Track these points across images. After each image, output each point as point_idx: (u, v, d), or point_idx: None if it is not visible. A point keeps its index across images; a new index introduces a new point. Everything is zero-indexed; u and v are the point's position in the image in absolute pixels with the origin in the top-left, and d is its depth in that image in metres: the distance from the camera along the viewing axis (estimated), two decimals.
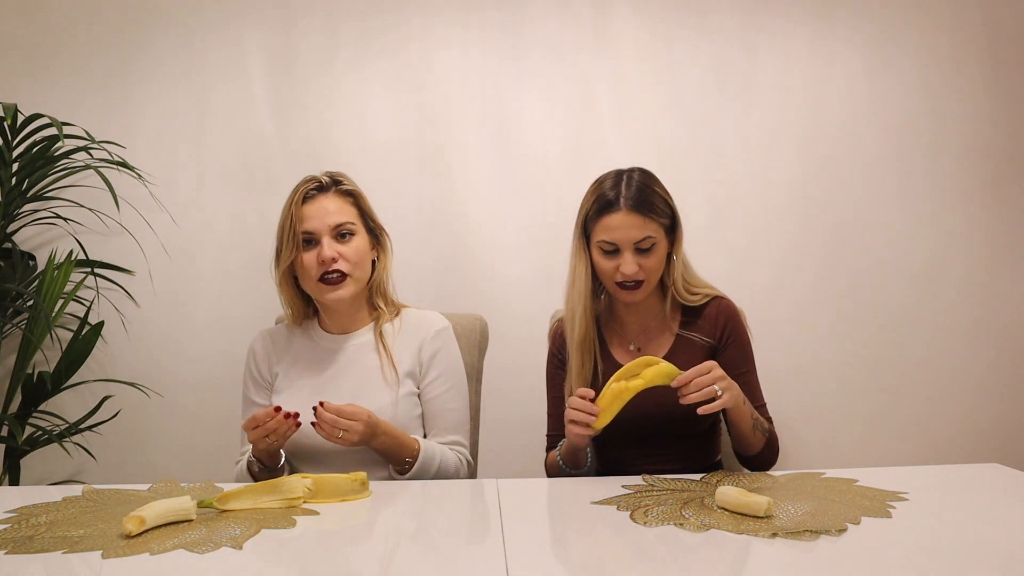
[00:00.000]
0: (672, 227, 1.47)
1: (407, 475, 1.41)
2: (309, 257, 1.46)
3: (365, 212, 1.54)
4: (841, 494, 1.20)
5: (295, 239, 1.46)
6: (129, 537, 1.00)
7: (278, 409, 1.30)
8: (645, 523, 1.07)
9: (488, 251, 2.23)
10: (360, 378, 1.50)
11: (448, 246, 2.23)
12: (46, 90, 2.16)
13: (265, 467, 1.42)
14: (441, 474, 1.44)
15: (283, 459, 1.44)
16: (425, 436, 1.51)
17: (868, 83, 2.32)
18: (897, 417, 2.29)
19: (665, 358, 1.46)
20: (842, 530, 1.02)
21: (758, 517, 1.07)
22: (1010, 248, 2.33)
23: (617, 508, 1.14)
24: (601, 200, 1.45)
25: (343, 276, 1.46)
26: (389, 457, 1.41)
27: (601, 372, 1.49)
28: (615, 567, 0.95)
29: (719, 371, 1.29)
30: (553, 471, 1.52)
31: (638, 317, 1.53)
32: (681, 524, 1.06)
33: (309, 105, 2.22)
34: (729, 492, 1.12)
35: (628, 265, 1.42)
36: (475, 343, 1.76)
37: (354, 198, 1.53)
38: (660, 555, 0.97)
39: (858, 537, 1.00)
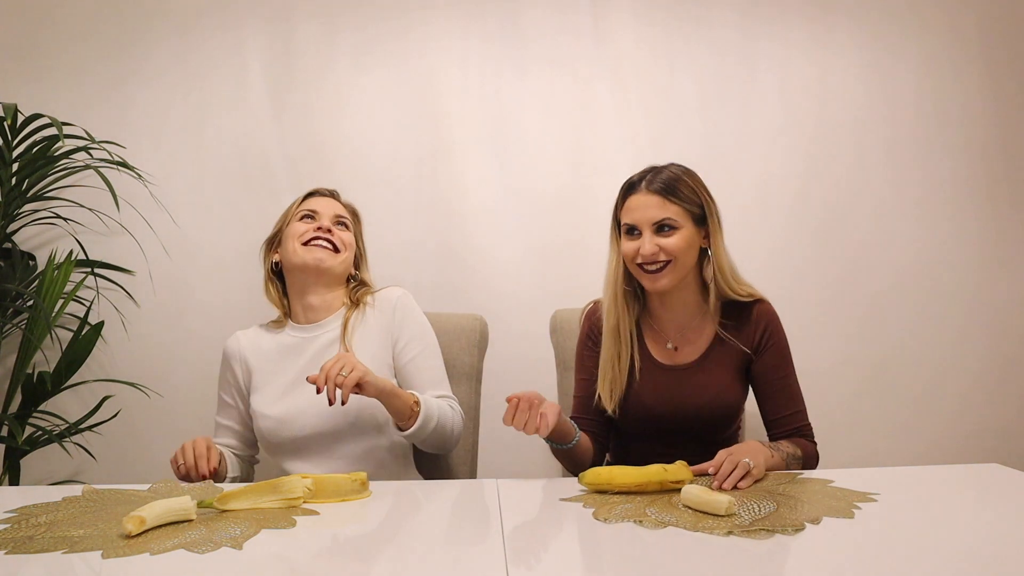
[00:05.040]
0: (703, 218, 1.47)
1: (413, 429, 1.41)
2: (308, 227, 1.61)
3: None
4: (812, 494, 1.19)
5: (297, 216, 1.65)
6: (129, 537, 1.00)
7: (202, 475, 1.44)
8: (606, 520, 1.07)
9: (488, 252, 2.23)
10: None
11: (448, 247, 2.23)
12: (46, 90, 2.16)
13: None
14: (442, 424, 1.47)
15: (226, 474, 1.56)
16: None
17: (866, 84, 2.32)
18: (896, 417, 2.29)
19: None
20: (799, 529, 1.02)
21: (718, 515, 1.07)
22: (1012, 248, 2.33)
23: (583, 506, 1.15)
24: (626, 185, 1.49)
25: (336, 249, 1.61)
26: (393, 406, 1.41)
27: (639, 369, 1.49)
28: (615, 567, 0.95)
29: (737, 450, 1.28)
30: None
31: (674, 314, 1.53)
32: (640, 522, 1.06)
33: (309, 106, 2.22)
34: (692, 491, 1.13)
35: (647, 244, 1.42)
36: (475, 343, 1.76)
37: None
38: (660, 555, 0.97)
39: (815, 537, 1.00)
